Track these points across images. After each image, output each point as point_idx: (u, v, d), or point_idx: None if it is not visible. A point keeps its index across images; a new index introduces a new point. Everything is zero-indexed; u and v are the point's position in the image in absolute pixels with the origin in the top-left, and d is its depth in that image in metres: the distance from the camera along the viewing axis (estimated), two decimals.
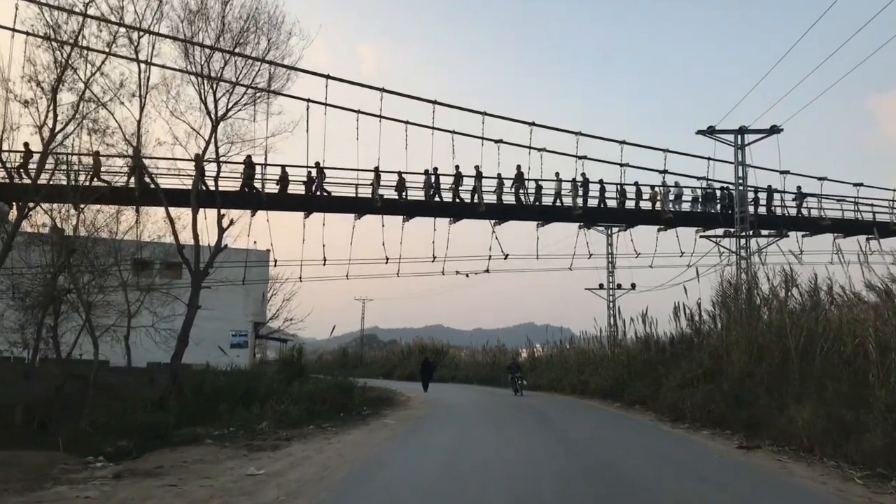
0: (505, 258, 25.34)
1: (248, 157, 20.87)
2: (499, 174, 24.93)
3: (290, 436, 14.61)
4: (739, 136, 23.00)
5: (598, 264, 32.48)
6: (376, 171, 23.52)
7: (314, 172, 23.01)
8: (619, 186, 26.28)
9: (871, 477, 9.60)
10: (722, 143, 23.14)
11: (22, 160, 19.49)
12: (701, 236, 25.57)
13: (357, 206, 24.17)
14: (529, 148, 25.09)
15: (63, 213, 18.90)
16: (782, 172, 26.69)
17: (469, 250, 27.07)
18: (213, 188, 19.62)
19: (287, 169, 22.81)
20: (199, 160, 18.88)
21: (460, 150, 24.97)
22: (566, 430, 17.02)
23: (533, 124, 24.96)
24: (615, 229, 31.82)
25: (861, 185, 27.82)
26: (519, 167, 25.19)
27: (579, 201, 25.54)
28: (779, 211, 27.05)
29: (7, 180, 18.98)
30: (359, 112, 23.38)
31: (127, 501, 8.35)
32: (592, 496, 8.81)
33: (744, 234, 22.78)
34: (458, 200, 24.79)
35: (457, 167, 24.58)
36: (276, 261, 23.83)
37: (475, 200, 24.91)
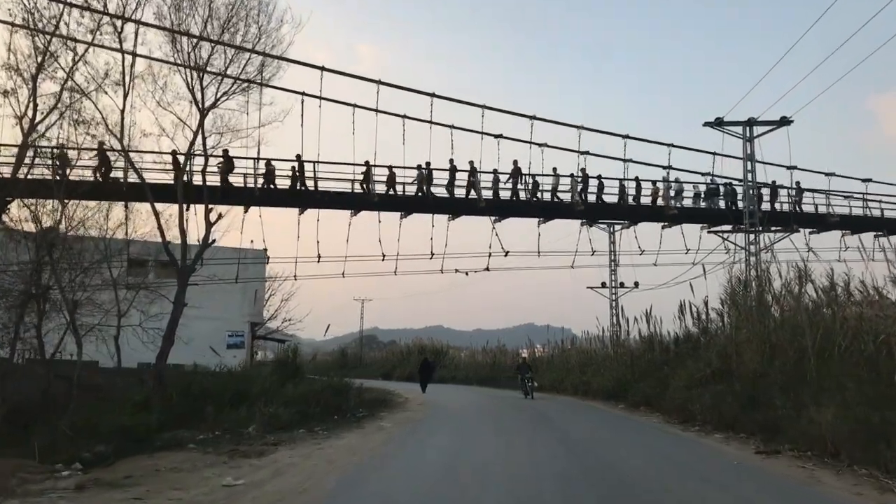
0: (505, 255, 24.34)
1: (225, 150, 19.74)
2: (494, 170, 23.90)
3: (278, 440, 13.60)
4: (748, 128, 21.99)
5: (600, 262, 31.53)
6: (367, 165, 22.52)
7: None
8: (620, 182, 25.32)
9: None
10: (730, 135, 22.14)
11: None
12: (709, 231, 24.54)
13: (353, 202, 23.17)
14: (530, 143, 24.13)
15: (47, 209, 17.97)
16: (789, 168, 25.73)
17: (469, 248, 26.20)
18: (204, 182, 18.54)
19: (274, 163, 21.68)
20: (175, 154, 17.76)
21: (459, 145, 23.99)
22: (569, 432, 16.03)
23: (534, 118, 24.00)
24: (618, 227, 30.79)
25: (870, 180, 26.88)
26: (516, 162, 24.19)
27: (580, 196, 24.56)
28: (784, 207, 26.10)
29: None
30: (355, 106, 22.42)
31: None
32: None
33: (753, 229, 21.70)
34: (452, 196, 23.76)
35: (451, 161, 23.60)
36: (268, 257, 22.73)
37: (471, 196, 23.89)
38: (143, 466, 10.51)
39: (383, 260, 23.16)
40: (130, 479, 9.44)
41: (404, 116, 22.86)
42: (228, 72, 17.58)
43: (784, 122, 21.61)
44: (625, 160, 24.92)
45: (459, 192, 23.92)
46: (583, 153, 24.60)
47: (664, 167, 25.48)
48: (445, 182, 23.81)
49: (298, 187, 21.68)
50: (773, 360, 16.22)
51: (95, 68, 16.99)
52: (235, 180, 21.33)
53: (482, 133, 23.66)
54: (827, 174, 26.33)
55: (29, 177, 16.90)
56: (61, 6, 16.49)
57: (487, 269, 25.36)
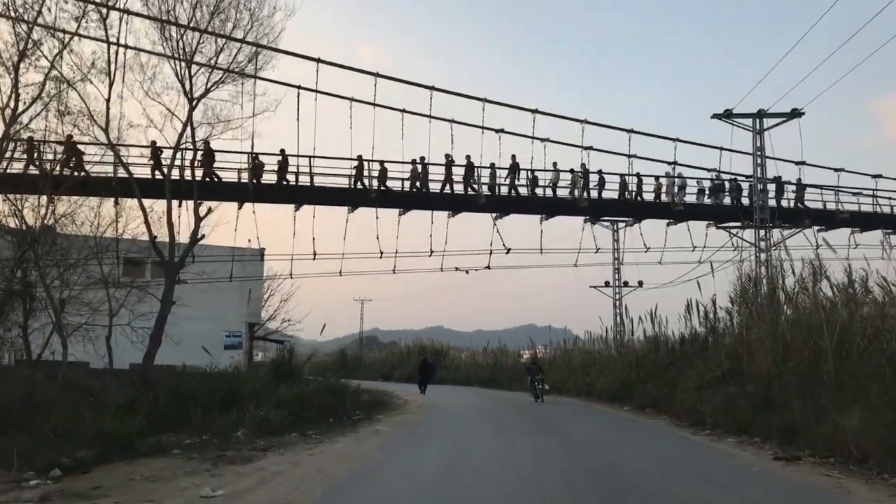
0: (507, 252, 23.51)
1: (206, 141, 18.59)
2: (492, 164, 23.05)
3: (267, 445, 12.78)
4: (758, 121, 21.17)
5: (603, 259, 30.70)
6: (359, 159, 21.70)
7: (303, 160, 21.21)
8: (621, 178, 24.47)
9: None
10: (739, 127, 21.30)
11: None
12: (718, 227, 23.69)
13: (350, 199, 22.37)
14: (532, 138, 23.33)
15: (32, 204, 17.20)
16: (798, 163, 24.91)
17: (469, 247, 25.29)
18: (193, 175, 17.75)
19: (262, 158, 20.77)
20: (156, 146, 16.85)
21: (459, 140, 23.20)
22: (573, 434, 15.22)
23: (536, 112, 23.21)
24: (621, 224, 29.95)
25: (880, 176, 26.04)
26: (514, 157, 23.34)
27: (582, 193, 23.74)
28: (791, 204, 25.26)
29: None
30: (352, 100, 21.65)
31: None
32: None
33: (764, 225, 20.84)
34: (452, 192, 22.94)
35: (447, 156, 22.75)
36: (261, 255, 21.88)
37: (468, 191, 23.07)
38: (118, 474, 9.71)
39: (381, 257, 22.36)
40: (100, 489, 8.62)
41: (403, 111, 22.12)
42: (219, 61, 16.84)
43: (795, 114, 20.77)
44: (629, 156, 24.13)
45: (457, 189, 23.09)
46: (586, 148, 23.83)
47: (669, 163, 24.71)
48: (442, 178, 22.93)
49: (285, 183, 20.76)
50: (787, 360, 15.40)
51: (81, 57, 16.24)
52: (230, 175, 20.52)
53: (482, 128, 22.90)
54: (836, 170, 25.54)
55: (10, 171, 16.17)
56: None
57: (488, 267, 24.54)
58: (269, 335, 40.07)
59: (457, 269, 25.99)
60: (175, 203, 18.48)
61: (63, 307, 17.62)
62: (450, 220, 23.66)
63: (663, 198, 24.91)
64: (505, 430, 16.22)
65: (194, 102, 16.35)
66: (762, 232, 20.98)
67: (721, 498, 8.29)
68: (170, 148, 17.82)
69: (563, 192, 24.15)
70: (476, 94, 23.17)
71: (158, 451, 12.38)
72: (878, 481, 9.10)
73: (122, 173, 17.95)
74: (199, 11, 16.19)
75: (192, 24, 16.42)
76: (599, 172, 24.41)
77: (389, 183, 22.39)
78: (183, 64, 16.23)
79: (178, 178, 18.02)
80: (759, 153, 21.22)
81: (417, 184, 22.52)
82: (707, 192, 25.48)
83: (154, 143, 17.30)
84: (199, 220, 16.52)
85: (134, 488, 8.72)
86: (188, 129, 16.49)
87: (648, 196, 25.02)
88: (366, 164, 21.86)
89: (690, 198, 25.34)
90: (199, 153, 18.71)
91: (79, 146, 17.76)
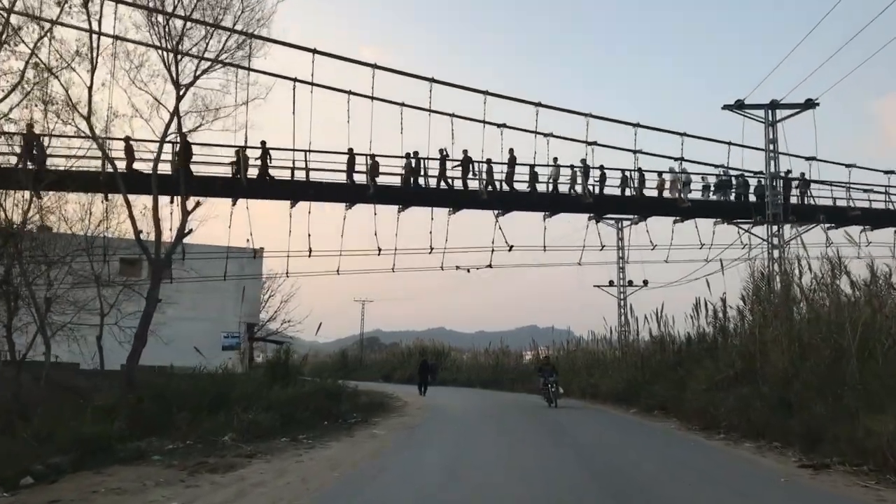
0: (509, 250, 22.56)
1: (184, 134, 17.19)
2: (488, 159, 22.00)
3: (254, 451, 11.80)
4: (770, 112, 20.16)
5: (607, 258, 29.64)
6: (350, 153, 20.71)
7: (300, 156, 20.21)
8: (622, 173, 23.44)
9: None
10: (751, 118, 20.27)
11: None
12: (730, 223, 22.62)
13: (348, 194, 21.38)
14: (535, 133, 22.36)
15: (16, 199, 16.27)
16: (809, 159, 23.90)
17: (470, 245, 24.34)
18: (181, 167, 16.77)
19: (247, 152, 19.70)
20: (128, 140, 15.74)
21: (460, 135, 22.27)
22: (579, 437, 14.22)
23: (539, 105, 22.22)
24: (626, 222, 28.92)
25: (893, 172, 25.01)
26: (511, 151, 22.32)
27: (580, 188, 22.73)
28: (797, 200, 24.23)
29: None
30: (350, 93, 20.71)
31: None
32: None
33: (777, 221, 19.80)
34: (451, 188, 21.94)
35: (441, 150, 21.76)
36: (255, 252, 20.92)
37: (465, 187, 22.08)
38: (84, 486, 8.73)
39: (379, 254, 21.39)
40: (57, 503, 7.65)
41: (402, 104, 21.17)
42: (209, 47, 15.84)
43: (809, 104, 19.73)
44: (635, 151, 23.13)
45: (453, 184, 22.11)
46: (590, 144, 22.85)
47: (675, 158, 23.72)
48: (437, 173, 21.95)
49: (268, 178, 19.71)
50: (805, 360, 14.40)
51: (64, 43, 15.31)
52: (220, 170, 19.56)
53: (484, 122, 21.97)
54: (847, 166, 24.55)
55: None
56: None
57: (490, 265, 23.60)
58: (270, 336, 39.19)
59: (457, 267, 25.10)
60: (167, 199, 17.65)
61: (49, 306, 16.76)
62: (450, 218, 22.73)
63: (665, 194, 23.90)
64: (508, 433, 15.29)
65: (182, 91, 15.39)
66: (774, 227, 19.93)
67: None
68: (152, 141, 16.83)
69: (563, 189, 23.15)
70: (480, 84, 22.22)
71: (138, 457, 11.43)
72: None
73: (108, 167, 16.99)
74: None
75: (179, 10, 15.45)
76: (601, 168, 23.41)
77: (384, 178, 21.38)
78: (170, 48, 15.25)
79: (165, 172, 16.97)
80: (771, 146, 20.14)
81: (412, 178, 21.52)
82: (712, 188, 24.48)
83: (128, 138, 16.07)
84: (186, 214, 15.59)
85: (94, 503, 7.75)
86: (175, 119, 15.48)
87: (650, 192, 24.02)
88: (356, 157, 20.83)
89: (695, 194, 24.36)
90: (180, 147, 17.41)
91: (42, 137, 16.53)
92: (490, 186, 22.09)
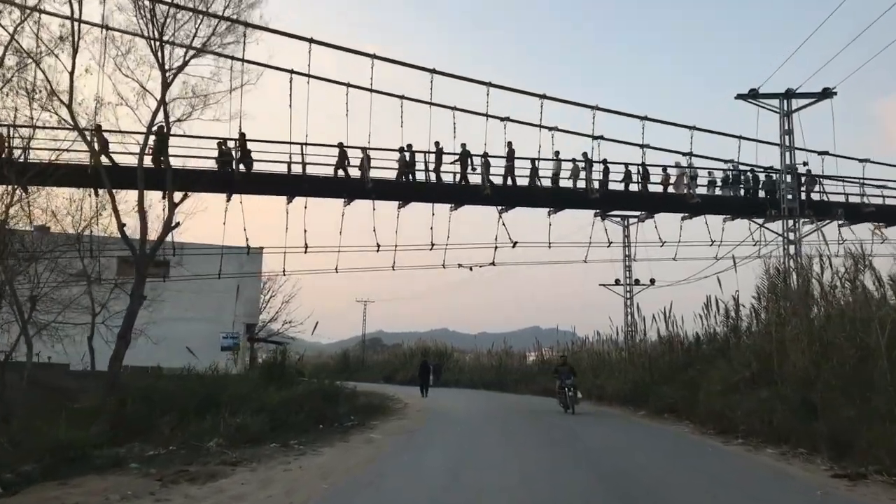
0: (513, 246, 21.53)
1: (161, 126, 15.79)
2: (485, 153, 21.03)
3: (240, 458, 10.85)
4: (785, 101, 19.14)
5: (613, 256, 28.65)
6: (340, 146, 19.76)
7: (296, 150, 19.25)
8: (625, 167, 22.44)
9: None
10: (765, 108, 19.27)
11: None
12: (750, 220, 21.54)
13: (345, 190, 20.42)
14: (540, 126, 21.38)
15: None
16: (821, 153, 22.87)
17: (472, 243, 23.39)
18: (166, 157, 15.84)
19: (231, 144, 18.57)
20: (99, 130, 14.67)
21: (463, 129, 21.27)
22: (587, 440, 13.25)
23: (544, 97, 21.25)
24: (632, 219, 27.90)
25: None
26: (510, 144, 21.36)
27: (583, 183, 21.74)
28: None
29: None
30: (348, 85, 19.79)
31: None
32: None
33: (793, 216, 18.79)
34: (435, 181, 20.95)
35: (437, 143, 20.79)
36: (248, 248, 19.96)
37: (463, 182, 21.13)
38: (43, 499, 7.81)
39: (378, 251, 20.46)
40: None
41: (402, 97, 20.24)
42: (198, 33, 14.92)
43: (826, 94, 18.70)
44: (642, 146, 22.12)
45: (445, 178, 21.17)
46: (596, 138, 21.87)
47: (684, 153, 22.71)
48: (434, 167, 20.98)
49: (247, 171, 18.73)
50: (827, 360, 13.41)
51: (45, 26, 14.40)
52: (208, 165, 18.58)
53: (487, 115, 21.01)
54: (861, 160, 23.50)
55: None
56: None
57: (493, 263, 22.52)
58: (271, 337, 38.36)
59: (460, 265, 24.10)
60: (157, 193, 16.76)
61: (35, 304, 15.88)
62: (452, 214, 21.81)
63: (670, 189, 22.90)
64: (512, 437, 14.36)
65: (170, 77, 14.46)
66: (790, 222, 18.92)
67: None
68: (136, 133, 15.88)
69: (565, 184, 22.16)
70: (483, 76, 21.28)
71: (115, 464, 10.51)
72: None
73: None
74: None
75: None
76: (604, 162, 22.36)
77: (379, 173, 20.41)
78: (156, 34, 14.34)
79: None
80: (787, 135, 19.12)
81: (413, 173, 20.60)
82: (719, 183, 23.44)
83: (99, 126, 14.94)
84: (173, 206, 14.65)
85: None
86: (163, 107, 14.55)
87: (654, 188, 23.02)
88: (347, 152, 19.88)
89: (701, 189, 23.33)
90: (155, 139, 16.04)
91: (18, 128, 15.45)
92: (488, 181, 21.12)
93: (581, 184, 21.82)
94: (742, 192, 23.46)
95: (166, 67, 14.34)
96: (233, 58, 16.83)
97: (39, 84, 14.90)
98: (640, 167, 22.39)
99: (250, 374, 23.98)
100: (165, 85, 14.42)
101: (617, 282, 30.16)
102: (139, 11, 14.42)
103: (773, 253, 19.17)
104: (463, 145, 20.95)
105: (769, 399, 13.51)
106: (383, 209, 21.07)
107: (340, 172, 19.93)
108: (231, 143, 17.75)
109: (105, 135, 16.42)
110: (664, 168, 22.91)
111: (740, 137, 22.04)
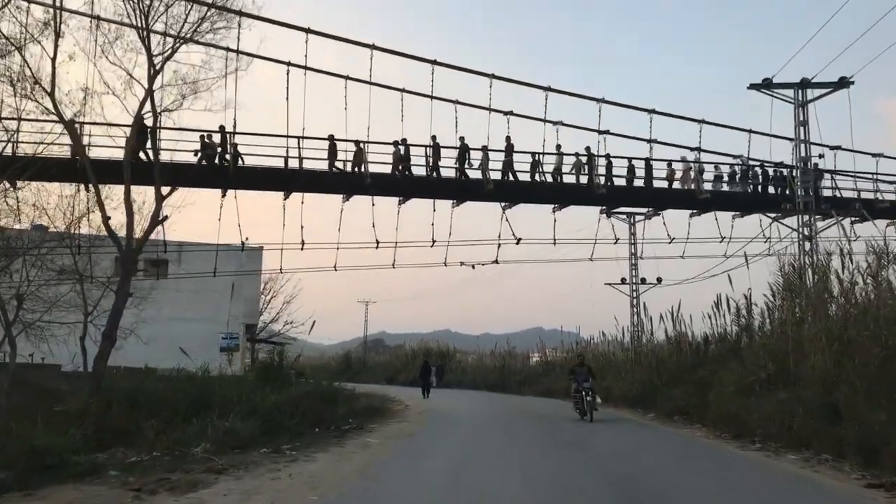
0: (517, 243, 20.74)
1: (140, 118, 14.55)
2: (484, 146, 20.25)
3: (226, 465, 10.08)
4: (800, 91, 18.32)
5: (619, 254, 27.85)
6: (331, 139, 19.00)
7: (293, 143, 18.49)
8: (629, 162, 21.65)
9: None
10: (779, 98, 18.45)
11: None
12: (766, 215, 20.68)
13: (343, 185, 19.68)
14: (544, 121, 20.64)
15: None
16: (833, 148, 22.05)
17: (475, 239, 22.60)
18: (155, 150, 15.09)
19: (216, 138, 17.83)
20: (71, 124, 13.83)
21: (465, 124, 20.54)
22: (597, 447, 12.46)
23: (549, 89, 20.52)
24: (639, 217, 27.10)
25: None
26: (508, 138, 20.59)
27: (585, 178, 20.95)
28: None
29: None
30: (347, 78, 19.08)
31: None
32: None
33: (809, 210, 17.97)
34: (435, 176, 20.19)
35: (433, 138, 20.02)
36: (244, 245, 19.24)
37: (465, 176, 20.36)
38: None
39: (377, 247, 19.73)
40: None
41: (402, 90, 19.52)
42: (188, 19, 14.16)
43: (843, 83, 17.83)
44: (650, 140, 21.35)
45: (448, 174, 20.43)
46: (602, 132, 21.10)
47: (692, 148, 21.91)
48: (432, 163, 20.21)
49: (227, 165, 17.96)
50: (850, 359, 12.60)
51: (27, 11, 13.65)
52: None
53: (489, 109, 20.29)
54: (874, 155, 22.70)
55: None
56: None
57: (496, 261, 21.76)
58: (273, 337, 37.75)
59: (462, 263, 23.30)
60: (149, 189, 16.00)
61: (21, 303, 15.18)
62: (453, 210, 21.06)
63: (676, 185, 22.10)
64: (516, 440, 13.58)
65: (158, 63, 13.71)
66: (806, 217, 18.09)
67: None
68: (122, 125, 15.10)
69: (568, 178, 21.38)
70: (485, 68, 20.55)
71: (93, 471, 9.76)
72: None
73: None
74: None
75: None
76: (607, 156, 21.55)
77: (374, 168, 19.64)
78: (143, 19, 13.59)
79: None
80: (801, 127, 18.29)
81: (401, 167, 19.85)
82: (725, 178, 22.64)
83: (72, 120, 14.10)
84: (160, 199, 13.89)
85: None
86: (150, 96, 13.80)
87: (659, 183, 22.25)
88: (338, 144, 19.12)
89: (707, 185, 22.51)
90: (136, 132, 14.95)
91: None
92: (488, 176, 20.35)
93: (584, 179, 21.07)
94: (750, 188, 22.70)
95: (154, 53, 13.57)
96: (226, 49, 16.18)
97: (21, 69, 14.21)
98: (645, 161, 21.67)
99: (248, 374, 23.25)
100: (153, 72, 13.66)
101: (623, 281, 29.35)
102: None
103: (788, 249, 18.35)
104: (461, 139, 20.21)
105: (788, 401, 12.72)
106: (383, 205, 20.37)
107: (339, 166, 19.22)
108: (217, 138, 16.97)
109: (91, 126, 15.70)
110: (669, 163, 22.15)
111: (750, 131, 21.32)
